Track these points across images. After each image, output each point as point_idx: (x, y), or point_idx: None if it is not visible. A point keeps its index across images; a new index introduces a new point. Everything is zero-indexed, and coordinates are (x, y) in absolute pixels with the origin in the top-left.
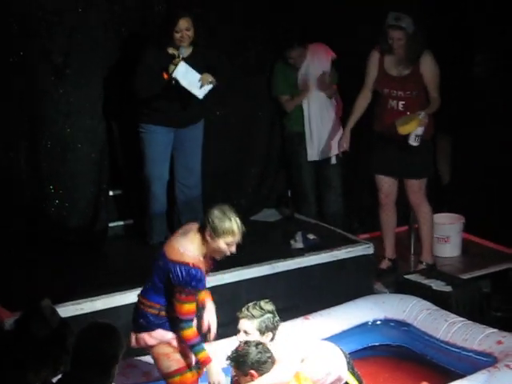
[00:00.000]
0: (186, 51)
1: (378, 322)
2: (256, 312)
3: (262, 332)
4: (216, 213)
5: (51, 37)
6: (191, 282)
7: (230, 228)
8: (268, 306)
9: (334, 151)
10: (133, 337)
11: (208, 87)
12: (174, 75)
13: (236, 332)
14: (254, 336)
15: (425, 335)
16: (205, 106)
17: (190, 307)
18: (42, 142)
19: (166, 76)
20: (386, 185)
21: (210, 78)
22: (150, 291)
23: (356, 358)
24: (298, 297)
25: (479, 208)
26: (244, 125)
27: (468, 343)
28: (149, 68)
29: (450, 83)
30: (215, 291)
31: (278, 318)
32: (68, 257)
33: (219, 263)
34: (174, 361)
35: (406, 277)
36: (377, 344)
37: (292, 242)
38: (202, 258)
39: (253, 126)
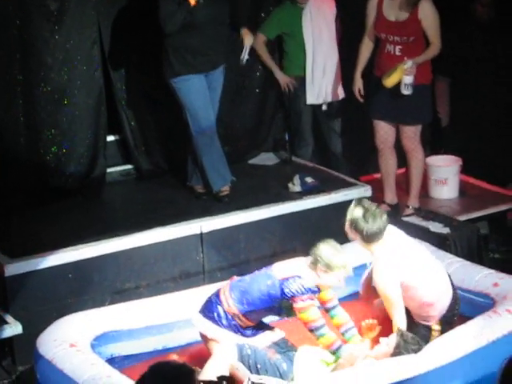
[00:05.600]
0: None
1: None
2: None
3: None
4: (327, 248)
5: None
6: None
7: (344, 262)
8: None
9: (329, 98)
10: (196, 315)
11: (248, 47)
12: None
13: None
14: None
15: None
16: (224, 50)
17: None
18: (38, 89)
19: (193, 2)
20: (382, 131)
21: (250, 36)
22: (239, 294)
23: (351, 300)
24: (296, 240)
25: (477, 149)
26: (240, 69)
27: (465, 283)
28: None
29: (448, 24)
30: (214, 236)
31: None
32: (66, 203)
33: (218, 207)
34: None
35: (403, 219)
36: None
37: (290, 185)
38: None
39: (249, 70)
